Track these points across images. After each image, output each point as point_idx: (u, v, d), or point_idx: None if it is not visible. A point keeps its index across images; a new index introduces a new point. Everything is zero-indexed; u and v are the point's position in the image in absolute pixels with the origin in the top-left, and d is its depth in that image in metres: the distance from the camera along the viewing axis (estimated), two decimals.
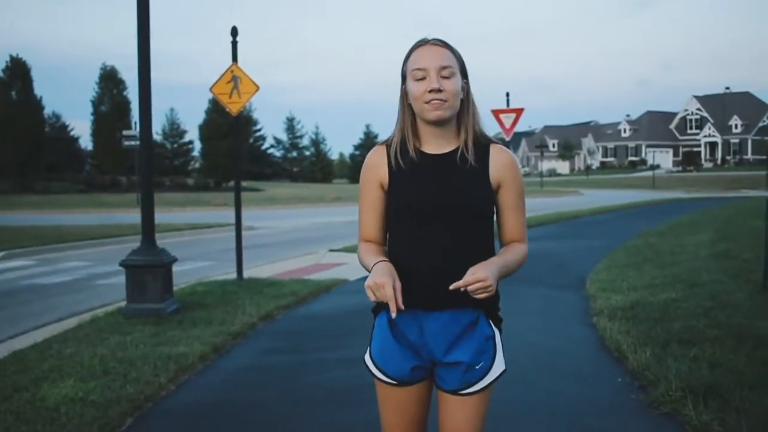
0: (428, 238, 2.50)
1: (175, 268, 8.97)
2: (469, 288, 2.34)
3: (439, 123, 2.49)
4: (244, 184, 13.01)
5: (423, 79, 2.46)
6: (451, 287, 2.37)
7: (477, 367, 2.52)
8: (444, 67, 2.45)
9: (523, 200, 2.62)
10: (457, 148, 2.53)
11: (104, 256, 15.97)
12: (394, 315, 2.34)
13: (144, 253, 8.46)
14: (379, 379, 2.62)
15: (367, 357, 2.65)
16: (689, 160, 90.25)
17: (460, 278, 2.39)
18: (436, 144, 2.54)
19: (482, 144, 2.55)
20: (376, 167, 2.59)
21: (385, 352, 2.58)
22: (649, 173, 71.63)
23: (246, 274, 11.27)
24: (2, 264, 15.20)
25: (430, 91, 2.43)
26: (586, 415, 4.95)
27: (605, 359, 6.28)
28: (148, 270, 8.32)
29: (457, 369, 2.53)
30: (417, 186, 2.51)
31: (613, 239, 16.82)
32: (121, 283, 9.18)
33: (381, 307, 2.61)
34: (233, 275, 11.22)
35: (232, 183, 46.24)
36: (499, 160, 2.54)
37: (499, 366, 2.57)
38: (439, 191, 2.49)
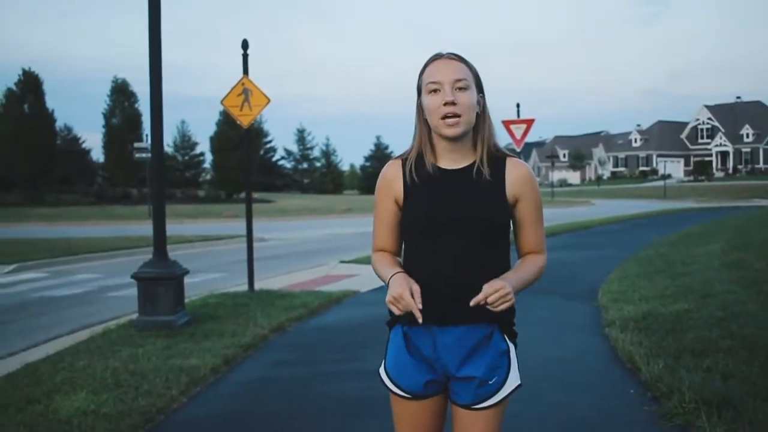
0: (443, 254, 2.50)
1: (187, 280, 8.98)
2: (489, 300, 2.33)
3: (454, 139, 2.49)
4: (254, 195, 13.04)
5: (437, 91, 2.46)
6: (472, 303, 2.36)
7: (491, 382, 2.51)
8: (458, 80, 2.45)
9: (541, 212, 2.61)
10: (473, 163, 2.53)
11: (115, 268, 16.02)
12: (420, 321, 2.36)
13: (155, 265, 8.49)
14: (394, 393, 2.61)
15: (381, 370, 2.65)
16: (700, 169, 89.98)
17: (475, 293, 2.38)
18: (451, 159, 2.54)
19: (498, 158, 2.54)
20: (392, 181, 2.60)
21: (400, 365, 2.58)
22: (660, 183, 71.46)
23: (257, 285, 11.28)
24: (14, 276, 15.28)
25: (445, 104, 2.43)
26: (598, 427, 4.94)
27: (617, 370, 6.25)
28: (160, 282, 8.34)
29: (470, 384, 2.52)
30: (432, 201, 2.51)
31: (624, 249, 16.78)
32: (132, 296, 9.21)
33: (396, 320, 2.61)
34: (244, 287, 11.23)
35: (243, 194, 46.33)
36: (515, 175, 2.53)
37: (513, 381, 2.55)
38: (455, 207, 2.49)
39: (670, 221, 28.27)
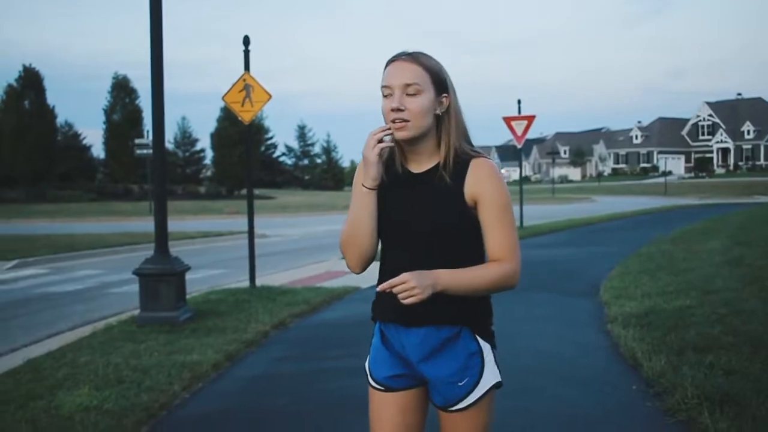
0: (404, 256, 2.49)
1: (188, 276, 8.99)
2: (394, 291, 2.31)
3: (407, 143, 2.47)
4: (255, 192, 13.01)
5: (389, 96, 2.44)
6: (378, 288, 2.38)
7: (461, 384, 2.49)
8: (408, 85, 2.41)
9: (508, 215, 2.47)
10: (437, 166, 2.49)
11: (117, 264, 16.02)
12: (395, 135, 2.42)
13: (157, 261, 8.48)
14: (370, 385, 2.66)
15: (366, 363, 2.71)
16: (701, 166, 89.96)
17: (436, 297, 2.37)
18: (417, 161, 2.52)
19: (463, 159, 2.47)
20: None
21: (377, 359, 2.65)
22: (661, 180, 71.34)
23: (258, 281, 11.28)
24: (15, 272, 15.27)
25: (392, 110, 2.41)
26: (600, 422, 4.94)
27: (620, 367, 6.25)
28: (162, 278, 8.34)
29: (439, 386, 2.52)
30: (393, 204, 2.51)
31: (625, 246, 16.76)
32: (133, 292, 9.21)
33: (376, 315, 2.64)
34: (246, 283, 11.23)
35: (243, 191, 46.32)
36: (475, 175, 2.44)
37: (488, 380, 2.52)
38: (411, 210, 2.48)
39: (671, 218, 28.23)
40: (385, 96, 2.44)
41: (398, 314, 2.50)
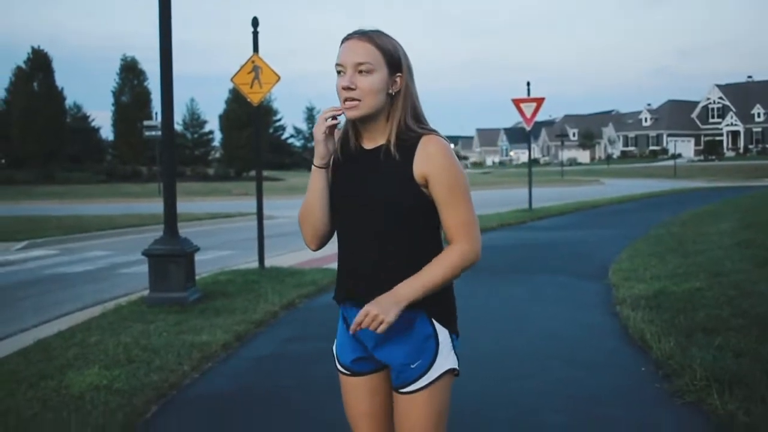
0: (354, 234, 2.51)
1: (197, 257, 9.00)
2: (362, 326, 2.35)
3: (360, 121, 2.47)
4: (264, 173, 12.94)
5: (341, 74, 2.43)
6: (350, 330, 2.41)
7: (413, 366, 2.46)
8: (360, 63, 2.39)
9: (458, 193, 2.42)
10: (385, 143, 2.47)
11: (126, 245, 16.07)
12: (346, 114, 2.43)
13: (166, 242, 8.50)
14: (337, 369, 2.67)
15: (333, 347, 2.72)
16: (711, 149, 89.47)
17: (381, 278, 2.43)
18: (370, 138, 2.51)
19: (412, 137, 2.43)
20: None
21: (340, 342, 2.67)
22: (671, 162, 71.08)
23: (267, 263, 11.30)
24: (25, 253, 15.34)
25: (343, 88, 2.41)
26: (609, 404, 4.94)
27: (629, 348, 6.25)
28: (171, 259, 8.36)
29: (394, 368, 2.50)
30: (342, 180, 2.51)
31: (635, 228, 16.72)
32: (143, 272, 9.24)
33: (336, 298, 2.64)
34: (255, 264, 11.25)
35: (252, 172, 46.35)
36: (423, 153, 2.40)
37: (443, 365, 2.47)
38: (357, 187, 2.48)
39: (680, 200, 28.14)
40: (338, 74, 2.44)
41: (350, 295, 2.54)
